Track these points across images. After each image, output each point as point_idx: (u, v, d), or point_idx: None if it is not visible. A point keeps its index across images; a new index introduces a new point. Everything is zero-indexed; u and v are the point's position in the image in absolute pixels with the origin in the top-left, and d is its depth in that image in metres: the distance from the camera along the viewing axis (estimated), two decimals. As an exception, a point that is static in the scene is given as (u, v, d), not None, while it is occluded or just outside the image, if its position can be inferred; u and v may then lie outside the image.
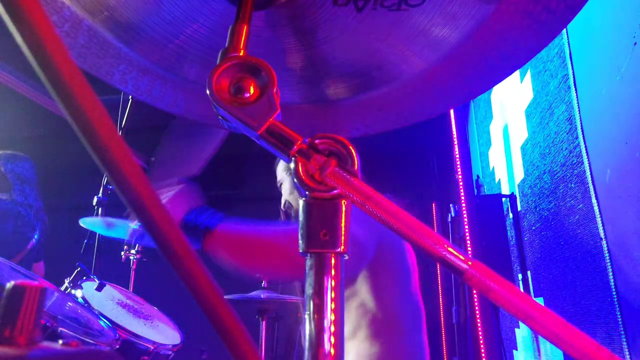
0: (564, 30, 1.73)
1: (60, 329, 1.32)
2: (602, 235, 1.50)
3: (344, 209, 0.43)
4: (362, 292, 1.47)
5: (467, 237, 2.70)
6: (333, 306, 0.40)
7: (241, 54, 0.46)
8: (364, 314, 1.46)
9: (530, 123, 2.29)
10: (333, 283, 0.41)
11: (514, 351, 2.94)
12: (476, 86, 0.64)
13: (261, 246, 1.22)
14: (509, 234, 2.81)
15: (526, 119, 2.35)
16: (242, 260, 1.20)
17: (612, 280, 1.45)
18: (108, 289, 1.93)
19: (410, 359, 1.47)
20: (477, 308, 2.73)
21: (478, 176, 3.81)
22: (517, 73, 2.46)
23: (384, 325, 1.46)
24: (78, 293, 1.72)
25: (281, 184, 1.78)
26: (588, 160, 1.60)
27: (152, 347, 1.71)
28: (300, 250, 0.43)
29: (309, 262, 0.42)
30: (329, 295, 0.40)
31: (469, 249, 2.67)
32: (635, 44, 1.24)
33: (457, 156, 3.10)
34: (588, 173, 1.60)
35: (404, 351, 1.46)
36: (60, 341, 0.33)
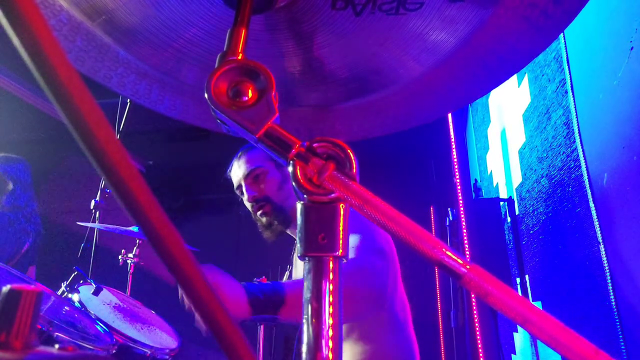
0: (561, 34, 1.74)
1: (57, 333, 1.31)
2: (599, 239, 1.50)
3: (342, 212, 0.43)
4: None
5: (465, 241, 2.70)
6: (331, 310, 0.40)
7: (240, 57, 0.46)
8: None
9: (527, 127, 2.30)
10: (331, 287, 0.40)
11: (513, 355, 2.93)
12: (474, 90, 0.64)
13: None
14: (507, 237, 2.82)
15: (524, 123, 2.36)
16: None
17: (610, 284, 1.45)
18: (105, 293, 1.92)
19: (401, 353, 1.47)
20: (475, 312, 2.72)
21: (476, 180, 3.82)
22: (514, 77, 2.47)
23: (378, 324, 1.47)
24: (75, 297, 1.71)
25: (257, 176, 1.62)
26: (585, 164, 1.61)
27: (149, 352, 1.70)
28: (299, 254, 0.43)
29: (306, 265, 0.42)
30: (327, 299, 0.40)
31: (467, 252, 2.67)
32: (632, 48, 1.24)
33: (455, 160, 3.10)
34: (585, 177, 1.60)
35: (396, 347, 1.47)
36: (57, 346, 0.33)
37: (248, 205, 1.65)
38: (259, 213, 1.62)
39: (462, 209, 2.80)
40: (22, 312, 0.31)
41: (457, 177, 2.99)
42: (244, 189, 1.64)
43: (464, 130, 4.49)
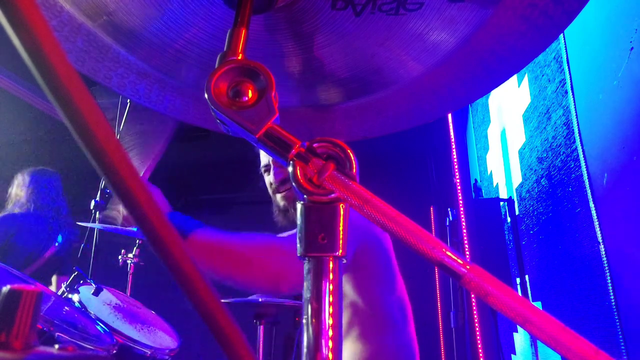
0: (561, 34, 1.74)
1: (57, 333, 1.31)
2: (599, 239, 1.50)
3: (342, 212, 0.43)
4: (348, 292, 1.48)
5: (465, 241, 2.70)
6: (331, 310, 0.40)
7: (240, 57, 0.46)
8: (355, 313, 1.47)
9: (527, 127, 2.30)
10: (331, 287, 0.40)
11: (512, 355, 2.93)
12: (474, 90, 0.64)
13: (235, 256, 1.21)
14: (506, 238, 2.82)
15: (524, 123, 2.36)
16: (214, 269, 1.19)
17: (609, 284, 1.45)
18: (105, 293, 1.92)
19: (400, 353, 1.48)
20: (475, 312, 2.72)
21: (476, 180, 3.82)
22: (514, 77, 2.47)
23: (375, 323, 1.47)
24: (75, 297, 1.71)
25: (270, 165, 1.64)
26: (585, 164, 1.61)
27: (149, 352, 1.70)
28: (299, 254, 0.43)
29: (307, 266, 0.42)
30: (327, 299, 0.40)
31: (467, 253, 2.67)
32: (632, 48, 1.24)
33: (455, 160, 3.10)
34: (585, 177, 1.60)
35: (395, 346, 1.48)
36: (57, 346, 0.33)
37: (271, 186, 1.65)
38: (280, 195, 1.61)
39: (462, 209, 2.80)
40: (23, 312, 0.31)
41: (457, 177, 2.99)
42: (272, 170, 1.63)
43: (464, 130, 4.48)
